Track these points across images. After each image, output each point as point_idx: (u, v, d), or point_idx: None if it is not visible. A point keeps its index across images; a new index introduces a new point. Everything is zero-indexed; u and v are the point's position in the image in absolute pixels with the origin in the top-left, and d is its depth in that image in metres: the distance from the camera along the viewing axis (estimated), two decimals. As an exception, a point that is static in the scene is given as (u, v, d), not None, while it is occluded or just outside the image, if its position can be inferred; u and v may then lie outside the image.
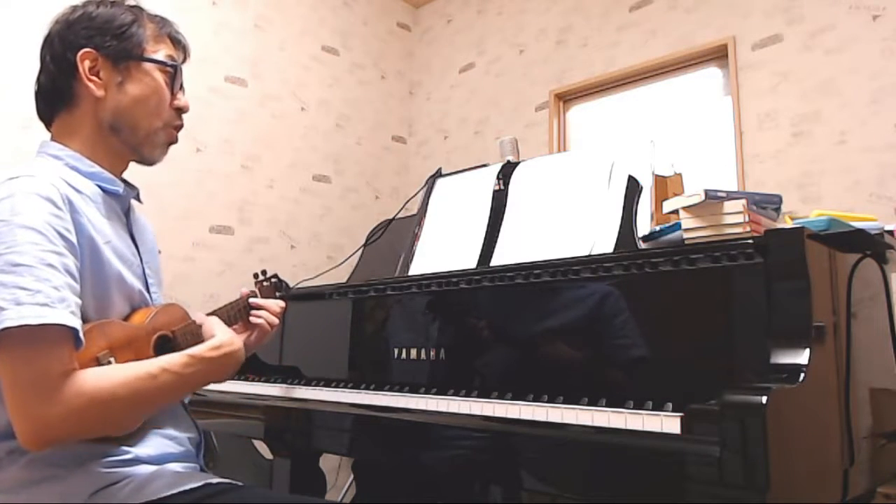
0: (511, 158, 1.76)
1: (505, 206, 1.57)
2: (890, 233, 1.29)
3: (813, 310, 0.95)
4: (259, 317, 1.26)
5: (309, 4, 3.51)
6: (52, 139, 1.06)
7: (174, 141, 1.14)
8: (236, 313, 1.26)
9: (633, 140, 1.56)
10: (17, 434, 0.82)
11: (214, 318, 1.09)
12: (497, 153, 1.90)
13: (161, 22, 1.12)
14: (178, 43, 1.14)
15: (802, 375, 0.90)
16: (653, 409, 0.97)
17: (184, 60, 1.16)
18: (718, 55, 2.80)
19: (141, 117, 1.07)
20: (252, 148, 3.16)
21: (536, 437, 1.06)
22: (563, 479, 1.05)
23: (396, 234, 1.87)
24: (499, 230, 1.54)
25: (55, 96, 1.06)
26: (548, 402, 1.09)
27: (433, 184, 1.82)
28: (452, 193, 1.73)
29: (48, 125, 1.08)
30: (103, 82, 1.04)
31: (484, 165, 1.78)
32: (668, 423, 0.91)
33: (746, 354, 1.00)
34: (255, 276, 1.40)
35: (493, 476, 1.26)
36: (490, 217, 1.58)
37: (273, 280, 1.41)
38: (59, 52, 1.04)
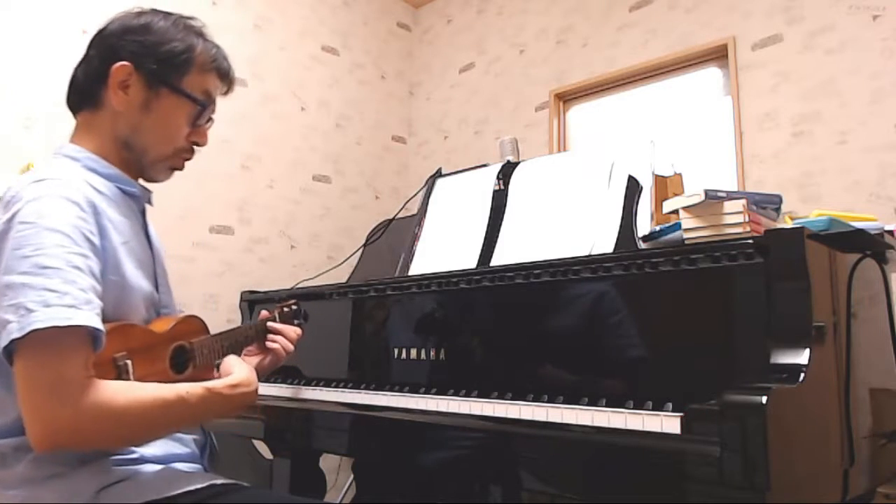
0: (511, 158, 1.76)
1: (505, 206, 1.57)
2: (890, 233, 1.29)
3: (813, 310, 0.95)
4: (275, 342, 1.28)
5: (309, 4, 3.51)
6: (72, 138, 1.06)
7: (179, 168, 1.14)
8: (254, 334, 1.28)
9: (633, 140, 1.56)
10: (28, 433, 0.82)
11: (234, 357, 1.10)
12: (497, 153, 1.90)
13: (215, 55, 1.11)
14: (224, 77, 1.13)
15: (802, 375, 0.90)
16: (653, 409, 0.97)
17: (226, 92, 1.15)
18: (718, 55, 2.80)
19: (154, 143, 1.07)
20: (252, 148, 3.16)
21: (536, 437, 1.06)
22: (563, 479, 1.05)
23: (396, 234, 1.87)
24: (499, 230, 1.54)
25: (84, 93, 1.06)
26: (548, 402, 1.09)
27: (433, 184, 1.82)
28: (452, 193, 1.73)
29: (74, 115, 1.09)
30: (129, 99, 1.03)
31: (484, 165, 1.78)
32: (668, 423, 0.91)
33: (746, 354, 1.00)
34: (280, 299, 1.41)
35: (493, 476, 1.26)
36: (490, 217, 1.58)
37: (294, 307, 1.42)
38: (101, 53, 1.04)
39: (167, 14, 1.09)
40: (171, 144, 1.09)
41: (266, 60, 3.27)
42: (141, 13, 1.07)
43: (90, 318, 0.84)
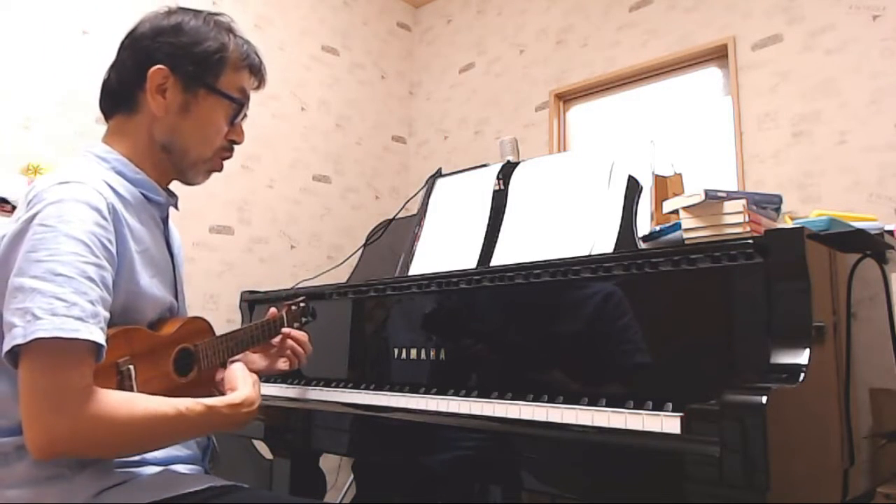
0: (511, 158, 1.76)
1: (505, 206, 1.56)
2: (890, 233, 1.29)
3: (813, 310, 0.95)
4: (287, 348, 1.29)
5: (309, 4, 3.51)
6: (104, 139, 1.05)
7: (218, 169, 1.15)
8: (260, 334, 1.26)
9: (633, 140, 1.56)
10: (26, 440, 0.82)
11: (240, 368, 1.08)
12: (497, 153, 1.90)
13: (246, 52, 1.11)
14: (256, 73, 1.13)
15: (802, 375, 0.90)
16: (653, 409, 0.97)
17: (257, 87, 1.15)
18: (718, 55, 2.80)
19: (194, 144, 1.07)
20: (252, 148, 3.16)
21: (536, 437, 1.06)
22: (563, 479, 1.05)
23: (396, 234, 1.87)
24: (499, 230, 1.54)
25: (119, 97, 1.05)
26: (548, 402, 1.09)
27: (433, 184, 1.82)
28: (452, 193, 1.73)
29: (107, 118, 1.08)
30: (167, 102, 1.03)
31: (484, 165, 1.78)
32: (668, 423, 0.91)
33: (746, 354, 1.00)
34: (285, 298, 1.39)
35: (493, 476, 1.26)
36: (490, 217, 1.58)
37: (302, 305, 1.39)
38: (136, 57, 1.03)
39: (197, 12, 1.08)
40: (212, 145, 1.09)
41: (266, 60, 3.26)
42: (170, 13, 1.06)
43: (95, 332, 0.83)
